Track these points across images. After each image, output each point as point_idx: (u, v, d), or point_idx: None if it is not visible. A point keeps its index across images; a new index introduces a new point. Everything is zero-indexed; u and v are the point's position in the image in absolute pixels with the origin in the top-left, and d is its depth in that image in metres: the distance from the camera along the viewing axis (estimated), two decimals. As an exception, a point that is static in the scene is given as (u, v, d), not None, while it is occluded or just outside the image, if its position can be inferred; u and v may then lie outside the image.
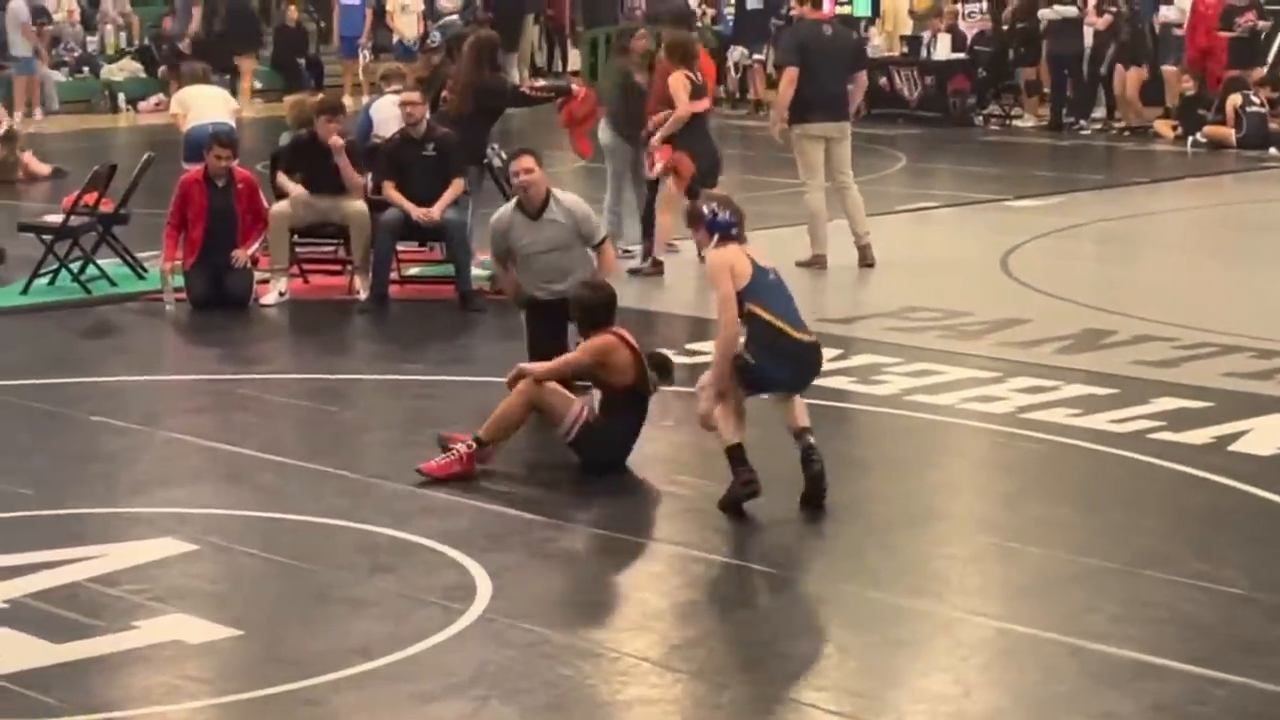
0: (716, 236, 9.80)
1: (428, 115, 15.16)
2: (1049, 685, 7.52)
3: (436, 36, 28.23)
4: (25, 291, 15.27)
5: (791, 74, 16.62)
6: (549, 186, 11.87)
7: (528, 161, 11.75)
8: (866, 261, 16.45)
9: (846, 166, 16.64)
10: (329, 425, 11.97)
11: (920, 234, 18.66)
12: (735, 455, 9.66)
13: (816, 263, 16.29)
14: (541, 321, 11.81)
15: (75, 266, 15.47)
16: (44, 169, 22.32)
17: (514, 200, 11.98)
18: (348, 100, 24.90)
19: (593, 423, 10.39)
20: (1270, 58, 25.54)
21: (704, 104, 15.95)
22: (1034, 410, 11.66)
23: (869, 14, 28.08)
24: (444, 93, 16.02)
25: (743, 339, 9.67)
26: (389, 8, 30.21)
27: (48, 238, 15.50)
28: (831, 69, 16.60)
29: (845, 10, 26.54)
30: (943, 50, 27.97)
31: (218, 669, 7.72)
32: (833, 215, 16.57)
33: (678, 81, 15.86)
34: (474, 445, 10.26)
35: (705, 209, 9.92)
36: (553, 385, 10.43)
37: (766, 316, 9.66)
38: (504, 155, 15.72)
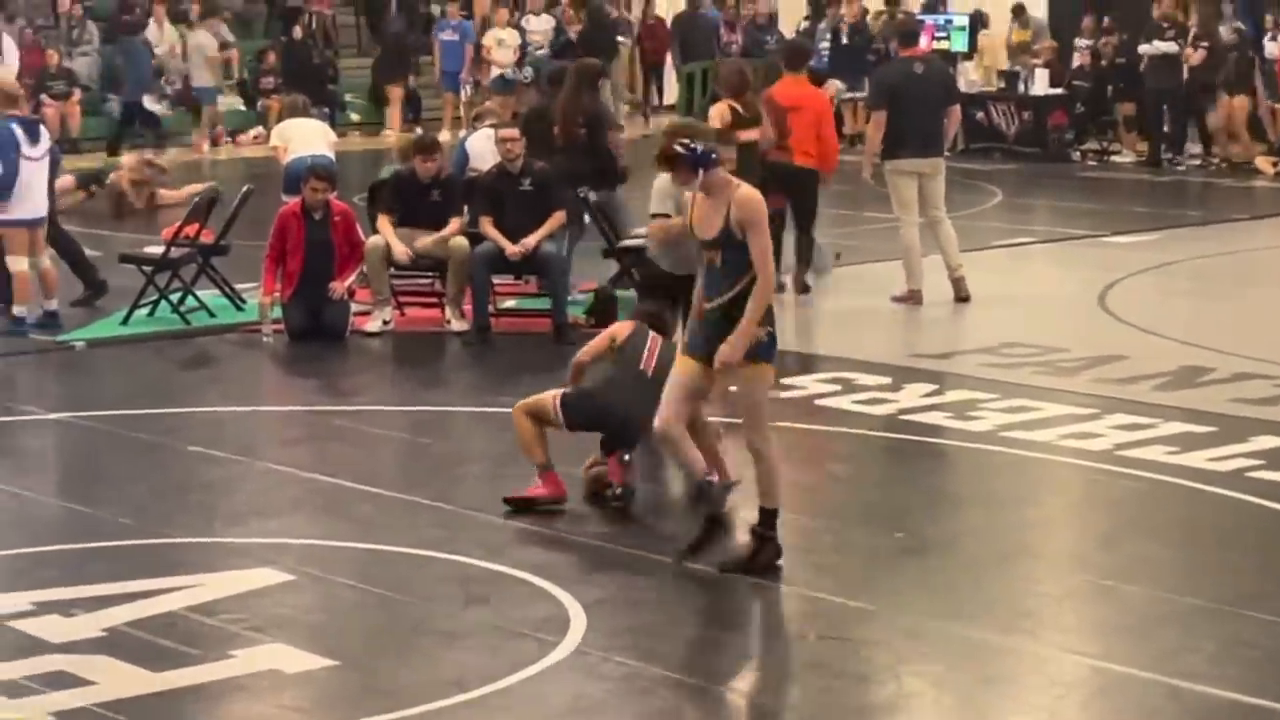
0: (702, 170, 9.20)
1: (524, 151, 15.23)
2: (1147, 724, 7.50)
3: (529, 72, 28.48)
4: (125, 322, 15.39)
5: (879, 119, 16.64)
6: None
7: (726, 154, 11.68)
8: (961, 294, 16.37)
9: (940, 201, 16.58)
10: (424, 457, 12.03)
11: (1017, 269, 18.60)
12: (772, 520, 9.33)
13: (912, 298, 16.27)
14: (660, 296, 11.73)
15: (175, 297, 15.59)
16: (179, 195, 22.13)
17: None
18: (445, 135, 25.02)
19: (568, 391, 10.46)
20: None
21: (753, 133, 15.78)
22: (1131, 448, 11.58)
23: (965, 49, 27.98)
24: (555, 128, 16.06)
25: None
26: (486, 42, 30.37)
27: (148, 269, 15.64)
28: (924, 105, 16.55)
29: (943, 45, 26.45)
30: (1041, 85, 27.86)
31: (314, 699, 7.78)
32: (927, 250, 16.50)
33: (717, 111, 15.79)
34: (539, 468, 10.37)
35: (679, 147, 9.24)
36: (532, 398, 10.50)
37: None
38: (595, 194, 15.74)
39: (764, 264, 9.01)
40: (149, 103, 28.58)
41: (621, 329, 10.71)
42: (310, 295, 14.77)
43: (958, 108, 17.81)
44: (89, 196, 21.69)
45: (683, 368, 9.23)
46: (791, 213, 16.62)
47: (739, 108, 15.77)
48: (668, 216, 11.73)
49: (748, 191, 9.18)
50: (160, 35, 29.34)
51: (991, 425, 12.22)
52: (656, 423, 9.23)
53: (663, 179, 11.50)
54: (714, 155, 9.24)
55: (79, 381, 13.95)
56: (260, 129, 28.15)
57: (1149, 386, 13.20)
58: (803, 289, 16.75)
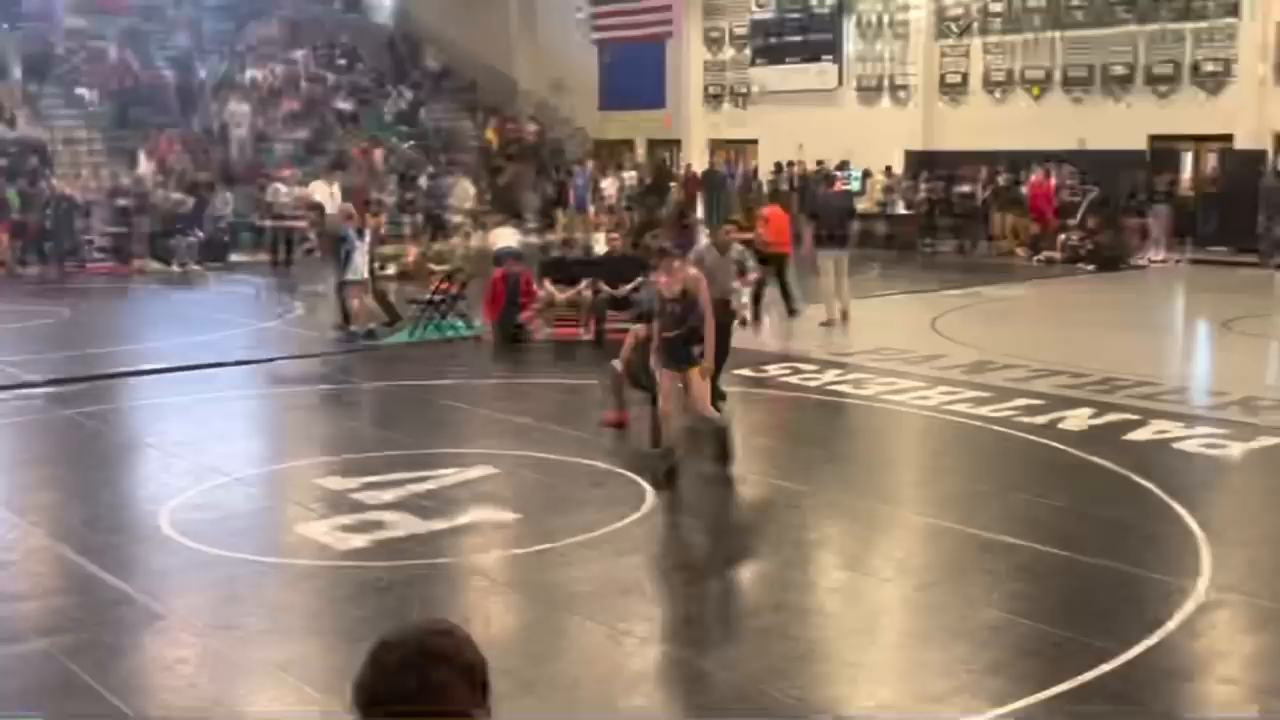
0: (668, 259, 8.88)
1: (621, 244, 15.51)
2: (957, 553, 7.45)
3: (624, 202, 28.39)
4: (410, 335, 15.48)
5: (811, 225, 16.84)
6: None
7: (732, 227, 11.65)
8: (846, 317, 16.42)
9: (844, 273, 16.67)
10: (570, 406, 11.99)
11: (886, 307, 18.49)
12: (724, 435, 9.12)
13: (830, 323, 16.26)
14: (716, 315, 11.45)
15: (437, 321, 15.68)
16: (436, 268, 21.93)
17: (710, 243, 11.67)
18: (579, 235, 24.97)
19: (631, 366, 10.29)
20: (1079, 215, 25.12)
21: (749, 235, 16.01)
22: (947, 404, 11.51)
23: (860, 188, 27.77)
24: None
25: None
26: (601, 185, 30.37)
27: (423, 306, 15.76)
28: (836, 219, 16.76)
29: (847, 186, 26.21)
30: (900, 208, 27.72)
31: (508, 536, 7.82)
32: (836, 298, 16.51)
33: (729, 225, 15.97)
34: (615, 402, 10.46)
35: (660, 246, 9.10)
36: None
37: None
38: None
39: (709, 313, 8.84)
40: (448, 216, 28.75)
41: (640, 330, 10.41)
42: (507, 320, 14.86)
43: (854, 222, 17.99)
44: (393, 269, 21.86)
45: (666, 377, 8.95)
46: (775, 276, 16.85)
47: (742, 221, 15.98)
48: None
49: (693, 271, 9.04)
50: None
51: (873, 391, 12.17)
52: (661, 409, 8.95)
53: (703, 248, 11.52)
54: (676, 251, 9.09)
55: (385, 366, 14.03)
56: (481, 232, 28.12)
57: (958, 372, 13.09)
58: (791, 314, 16.92)
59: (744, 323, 13.67)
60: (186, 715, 5.30)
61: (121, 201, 24.22)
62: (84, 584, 6.88)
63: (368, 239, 15.57)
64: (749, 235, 15.74)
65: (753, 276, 11.64)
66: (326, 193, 24.02)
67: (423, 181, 29.28)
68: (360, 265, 15.26)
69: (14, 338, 15.64)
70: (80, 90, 28.84)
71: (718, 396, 11.16)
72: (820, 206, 17.26)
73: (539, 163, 33.53)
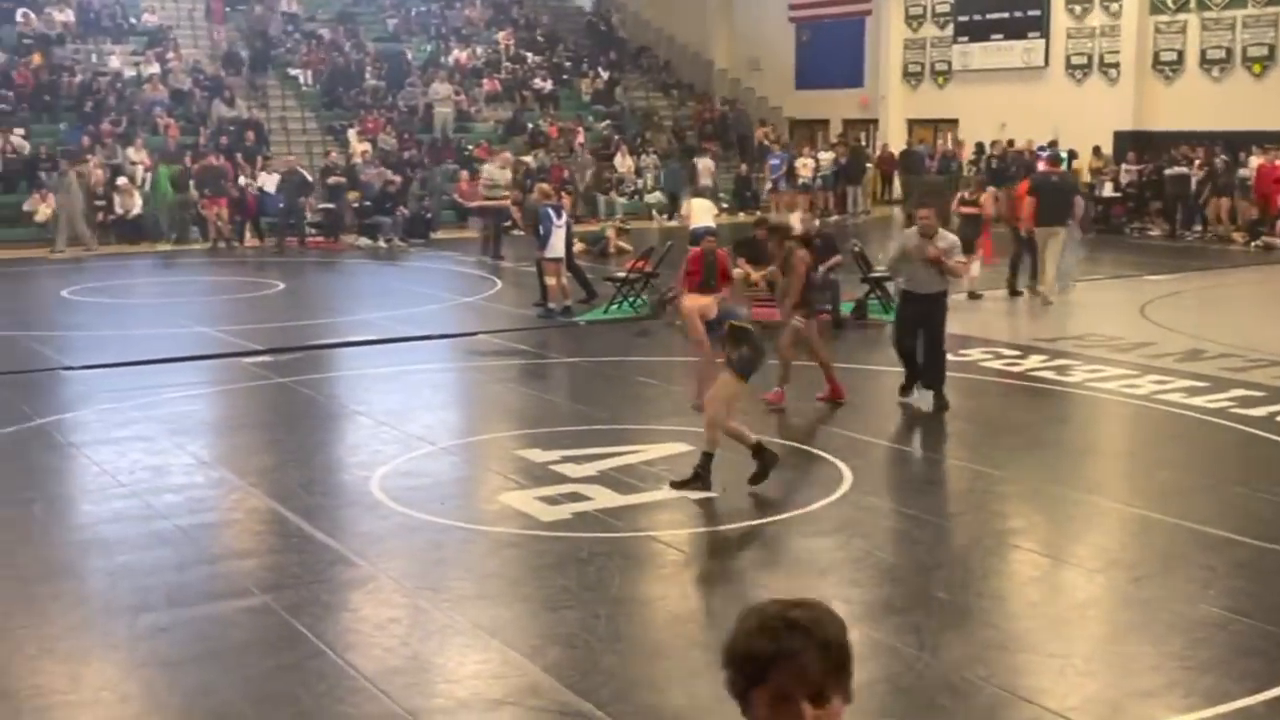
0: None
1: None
2: (1171, 547, 7.19)
3: (819, 181, 28.04)
4: (605, 311, 15.66)
5: (1031, 201, 16.41)
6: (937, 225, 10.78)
7: (928, 212, 10.76)
8: (1046, 300, 16.07)
9: (1055, 254, 16.36)
10: (766, 385, 11.87)
11: (1093, 292, 17.87)
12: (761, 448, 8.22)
13: (1037, 296, 16.08)
14: (912, 306, 10.77)
15: (630, 299, 15.82)
16: (629, 247, 22.30)
17: (915, 228, 10.81)
18: (772, 215, 24.88)
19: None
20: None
21: (973, 209, 15.90)
22: (1160, 394, 11.10)
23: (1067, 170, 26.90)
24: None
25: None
26: (797, 165, 30.10)
27: (617, 284, 15.92)
28: (1056, 198, 16.38)
29: (1061, 168, 25.40)
30: (1108, 190, 26.70)
31: (706, 513, 7.86)
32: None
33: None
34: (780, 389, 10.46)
35: (764, 231, 8.81)
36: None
37: None
38: (859, 246, 15.58)
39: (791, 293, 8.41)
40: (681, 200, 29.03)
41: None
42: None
43: (1080, 200, 17.65)
44: (590, 248, 22.13)
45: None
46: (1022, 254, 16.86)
47: (966, 195, 15.82)
48: (904, 254, 10.78)
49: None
50: (622, 159, 29.72)
51: (1079, 379, 11.81)
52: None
53: (907, 235, 10.91)
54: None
55: (581, 342, 14.24)
56: (679, 211, 28.25)
57: (1170, 360, 12.61)
58: (1014, 294, 16.75)
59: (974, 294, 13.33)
60: (400, 673, 5.51)
61: (333, 179, 25.16)
62: (301, 543, 7.21)
63: (564, 217, 15.79)
64: (975, 210, 15.53)
65: (973, 268, 11.44)
66: (507, 172, 24.48)
67: (655, 160, 29.62)
68: (557, 243, 15.48)
69: (235, 309, 16.47)
70: (294, 71, 30.05)
71: (939, 398, 10.63)
72: (1039, 183, 16.86)
73: (729, 142, 33.45)
